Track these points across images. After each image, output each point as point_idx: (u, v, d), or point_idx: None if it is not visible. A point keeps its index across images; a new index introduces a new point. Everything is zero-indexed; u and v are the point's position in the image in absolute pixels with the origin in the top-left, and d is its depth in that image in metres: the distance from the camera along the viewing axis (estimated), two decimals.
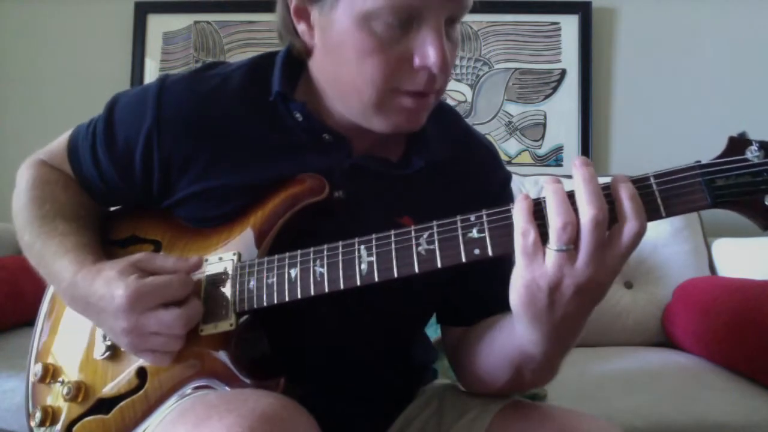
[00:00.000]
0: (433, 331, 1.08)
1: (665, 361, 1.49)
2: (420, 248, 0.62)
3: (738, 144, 0.55)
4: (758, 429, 1.14)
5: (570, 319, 0.59)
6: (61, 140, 0.84)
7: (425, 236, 0.62)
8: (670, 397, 1.22)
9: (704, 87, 2.13)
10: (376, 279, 0.63)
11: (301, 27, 0.71)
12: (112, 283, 0.67)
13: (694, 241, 1.77)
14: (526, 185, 1.86)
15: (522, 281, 0.57)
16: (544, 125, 2.14)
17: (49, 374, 0.80)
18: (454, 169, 0.81)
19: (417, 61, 0.66)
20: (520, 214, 0.56)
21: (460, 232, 0.60)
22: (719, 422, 1.15)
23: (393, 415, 0.85)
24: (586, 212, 0.53)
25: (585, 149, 2.12)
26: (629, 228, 0.54)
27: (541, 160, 2.14)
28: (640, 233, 0.54)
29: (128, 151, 0.76)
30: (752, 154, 0.54)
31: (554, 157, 2.14)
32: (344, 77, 0.70)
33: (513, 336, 0.66)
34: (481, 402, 0.79)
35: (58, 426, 0.77)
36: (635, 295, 1.73)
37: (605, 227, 0.54)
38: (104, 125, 0.78)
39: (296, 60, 0.77)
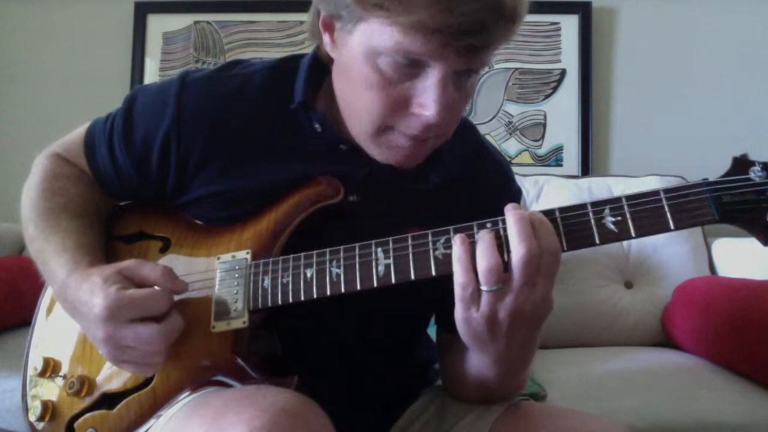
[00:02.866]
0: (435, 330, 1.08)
1: (665, 361, 1.49)
2: (437, 252, 0.63)
3: (742, 164, 0.58)
4: (757, 428, 1.14)
5: (515, 343, 0.63)
6: (77, 133, 0.84)
7: (442, 241, 0.63)
8: (670, 397, 1.22)
9: (704, 87, 2.13)
10: (393, 281, 0.65)
11: (326, 38, 0.71)
12: (95, 290, 0.67)
13: (694, 241, 1.77)
14: (526, 185, 1.86)
15: (462, 318, 0.62)
16: (544, 125, 2.14)
17: (50, 368, 0.79)
18: (467, 183, 0.81)
19: (413, 108, 0.66)
20: (459, 266, 0.60)
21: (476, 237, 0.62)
22: (718, 422, 1.15)
23: (395, 415, 0.85)
24: (517, 251, 0.58)
25: (585, 149, 2.12)
26: (549, 253, 0.58)
27: (541, 160, 2.14)
28: (555, 254, 0.59)
29: (146, 146, 0.77)
30: (755, 174, 0.58)
31: (554, 157, 2.14)
32: (349, 99, 0.71)
33: (471, 358, 0.72)
34: (484, 403, 0.79)
35: (59, 421, 0.76)
36: (635, 295, 1.73)
37: (535, 263, 0.58)
38: (123, 119, 0.78)
39: (321, 66, 0.77)
